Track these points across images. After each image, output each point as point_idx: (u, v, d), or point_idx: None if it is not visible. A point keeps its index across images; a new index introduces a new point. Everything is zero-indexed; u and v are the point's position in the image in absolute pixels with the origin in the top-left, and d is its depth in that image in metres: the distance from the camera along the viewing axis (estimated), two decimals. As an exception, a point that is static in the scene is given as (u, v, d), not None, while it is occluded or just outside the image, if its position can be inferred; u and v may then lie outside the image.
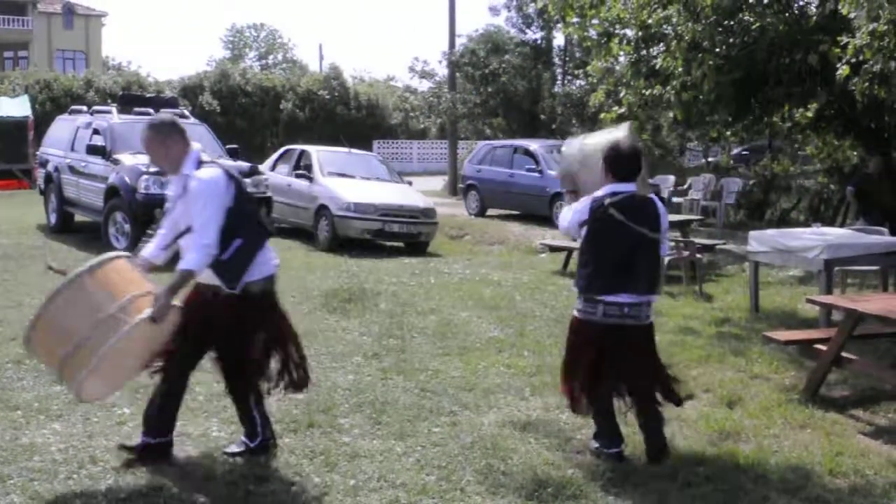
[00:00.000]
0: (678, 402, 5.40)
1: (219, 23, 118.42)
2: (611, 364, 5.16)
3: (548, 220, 17.61)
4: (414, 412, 5.97)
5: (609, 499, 4.68)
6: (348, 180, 15.35)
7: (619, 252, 5.03)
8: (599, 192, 5.07)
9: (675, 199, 19.47)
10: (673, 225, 12.47)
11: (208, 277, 4.71)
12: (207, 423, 5.64)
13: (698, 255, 11.28)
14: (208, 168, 4.76)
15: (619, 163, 5.07)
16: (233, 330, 4.80)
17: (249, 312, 4.82)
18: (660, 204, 5.26)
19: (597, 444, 5.32)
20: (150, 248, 4.91)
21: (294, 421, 5.71)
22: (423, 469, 5.02)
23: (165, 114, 5.18)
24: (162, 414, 4.90)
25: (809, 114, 13.45)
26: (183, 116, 15.72)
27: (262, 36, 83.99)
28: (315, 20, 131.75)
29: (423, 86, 34.94)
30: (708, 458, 5.30)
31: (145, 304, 4.43)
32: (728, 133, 16.28)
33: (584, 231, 5.09)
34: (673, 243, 11.33)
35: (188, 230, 4.66)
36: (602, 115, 15.14)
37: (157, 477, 4.75)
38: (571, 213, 5.20)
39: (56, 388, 6.30)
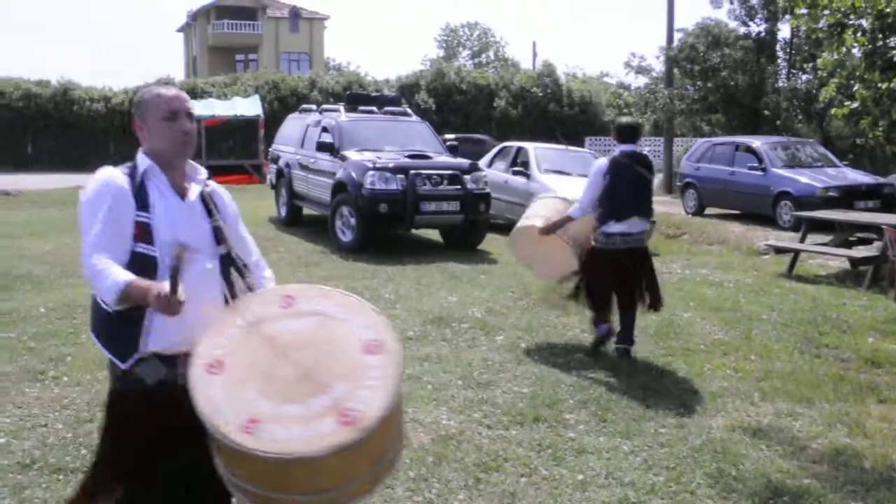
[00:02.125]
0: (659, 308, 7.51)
1: (433, 23, 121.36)
2: (624, 279, 7.23)
3: (771, 221, 16.96)
4: (639, 412, 5.93)
5: (850, 512, 4.49)
6: (565, 177, 15.29)
7: (627, 188, 7.14)
8: (614, 153, 7.29)
9: (911, 200, 18.23)
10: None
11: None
12: (437, 412, 5.83)
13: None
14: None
15: (622, 131, 7.34)
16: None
17: None
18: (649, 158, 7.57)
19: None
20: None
21: (520, 414, 5.80)
22: (650, 469, 4.98)
23: None
24: None
25: None
26: (405, 114, 16.25)
27: (475, 35, 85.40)
28: (528, 17, 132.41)
29: (639, 81, 34.21)
30: (959, 475, 4.98)
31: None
32: (973, 129, 15.06)
33: (605, 182, 7.12)
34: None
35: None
36: (833, 111, 14.40)
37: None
38: (581, 198, 7.27)
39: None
